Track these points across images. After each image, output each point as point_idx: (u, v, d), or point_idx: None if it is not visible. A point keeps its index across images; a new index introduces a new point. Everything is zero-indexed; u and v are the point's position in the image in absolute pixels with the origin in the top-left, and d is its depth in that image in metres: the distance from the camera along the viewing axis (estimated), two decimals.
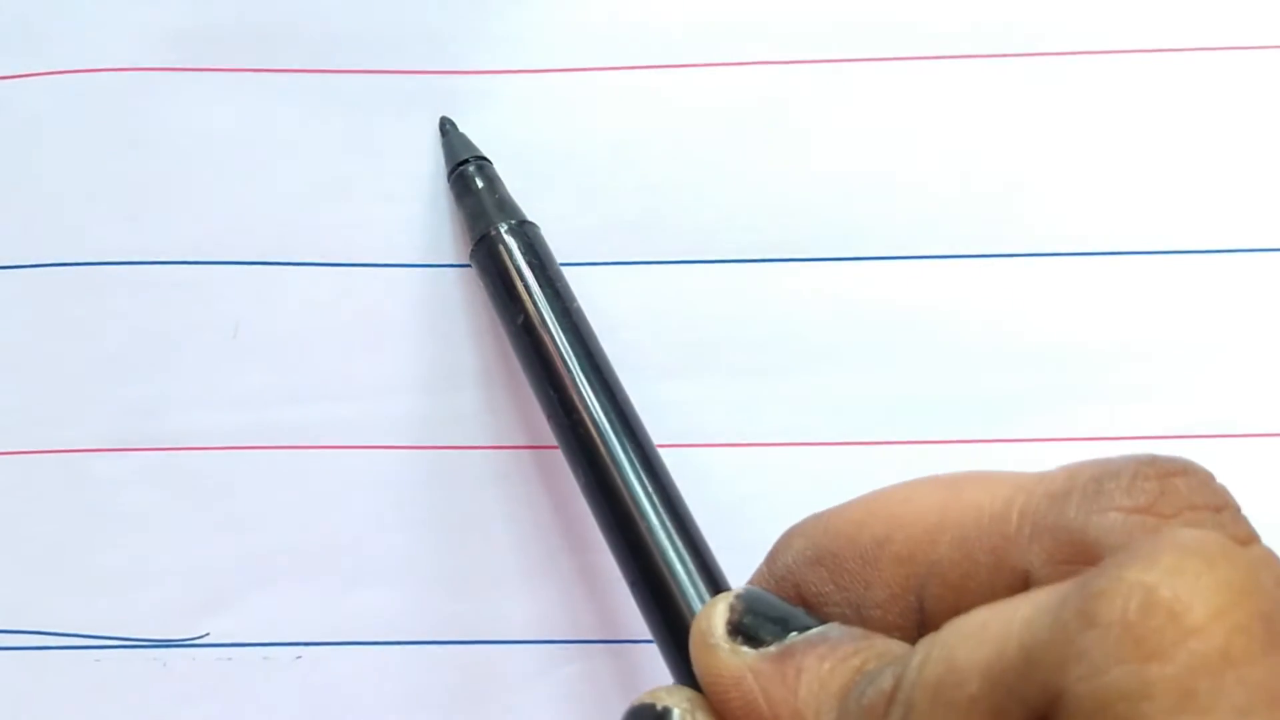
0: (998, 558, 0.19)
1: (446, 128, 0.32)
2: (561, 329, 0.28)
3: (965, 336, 0.31)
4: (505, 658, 0.30)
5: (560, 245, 0.30)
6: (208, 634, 0.31)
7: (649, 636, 0.30)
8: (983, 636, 0.17)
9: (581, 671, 0.30)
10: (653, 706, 0.21)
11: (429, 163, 0.32)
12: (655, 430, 0.27)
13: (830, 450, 0.31)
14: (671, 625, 0.24)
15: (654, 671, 0.30)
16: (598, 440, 0.26)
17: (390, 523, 0.31)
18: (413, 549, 0.31)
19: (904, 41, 0.32)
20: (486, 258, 0.30)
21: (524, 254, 0.29)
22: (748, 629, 0.20)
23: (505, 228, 0.30)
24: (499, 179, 0.31)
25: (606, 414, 0.27)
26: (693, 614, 0.23)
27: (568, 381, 0.27)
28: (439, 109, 0.32)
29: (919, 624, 0.20)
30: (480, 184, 0.31)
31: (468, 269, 0.31)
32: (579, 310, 0.29)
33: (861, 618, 0.20)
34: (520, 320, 0.28)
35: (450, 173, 0.31)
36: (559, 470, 0.31)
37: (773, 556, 0.22)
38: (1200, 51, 0.31)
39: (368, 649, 0.31)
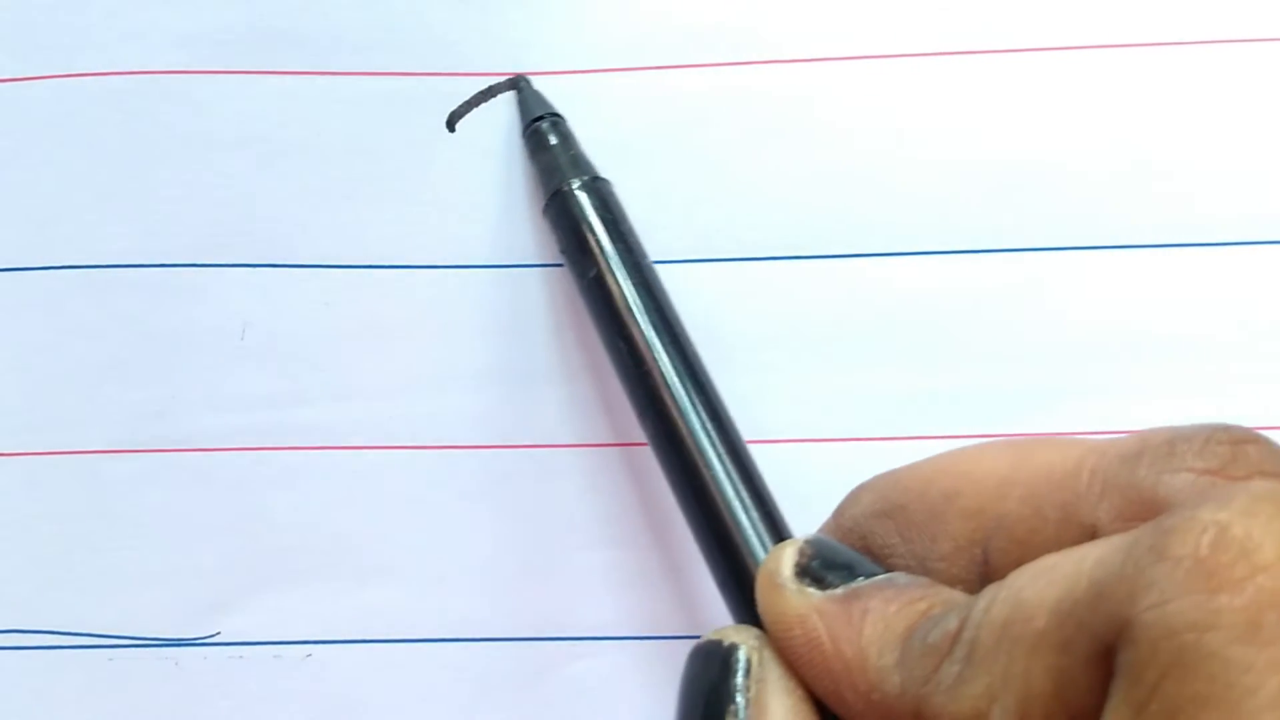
0: (1066, 513, 0.19)
1: (521, 84, 0.32)
2: (633, 284, 0.28)
3: (978, 330, 0.31)
4: (515, 654, 0.31)
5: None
6: (219, 633, 0.31)
7: (662, 632, 0.31)
8: (1051, 576, 0.17)
9: (593, 668, 0.30)
10: (719, 643, 0.21)
11: (434, 164, 0.32)
12: None
13: (856, 445, 0.31)
14: (735, 568, 0.24)
15: (665, 666, 0.30)
16: (664, 391, 0.27)
17: (398, 521, 0.31)
18: (421, 547, 0.31)
19: (951, 36, 0.32)
20: (559, 213, 0.30)
21: (597, 210, 0.29)
22: (815, 572, 0.21)
23: (578, 183, 0.30)
24: (573, 136, 0.31)
25: (675, 366, 0.27)
26: (755, 558, 0.24)
27: (637, 335, 0.27)
28: (443, 110, 0.32)
29: (982, 577, 0.20)
30: (554, 140, 0.31)
31: (477, 269, 0.31)
32: (650, 266, 0.29)
33: (926, 570, 0.21)
34: (592, 274, 0.28)
35: (525, 129, 0.31)
36: (567, 469, 0.31)
37: (840, 510, 0.22)
38: (1201, 45, 0.32)
39: (378, 647, 0.31)
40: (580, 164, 0.30)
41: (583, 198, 0.30)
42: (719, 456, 0.26)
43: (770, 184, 0.32)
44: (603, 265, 0.28)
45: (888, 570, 0.21)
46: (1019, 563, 0.18)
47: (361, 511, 0.31)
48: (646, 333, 0.27)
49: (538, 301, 0.32)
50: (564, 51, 0.32)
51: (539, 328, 0.31)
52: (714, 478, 0.25)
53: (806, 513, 0.31)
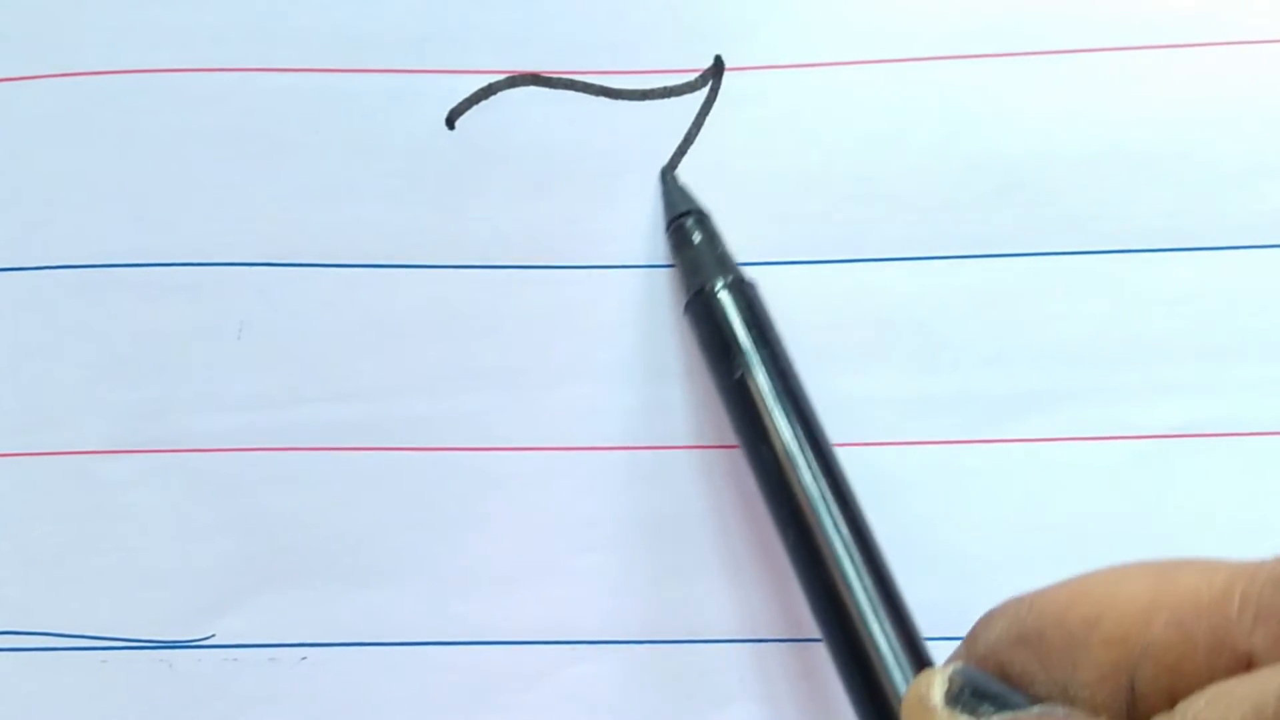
0: (1217, 638, 0.19)
1: (666, 178, 0.31)
2: (777, 392, 0.28)
3: (975, 334, 0.31)
4: (510, 658, 0.30)
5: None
6: (213, 635, 0.31)
7: (651, 637, 0.30)
8: (1232, 700, 0.17)
9: (587, 673, 0.30)
10: None
11: (432, 162, 0.32)
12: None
13: (855, 450, 0.31)
14: (874, 692, 0.25)
15: (661, 671, 0.30)
16: (807, 506, 0.27)
17: (394, 523, 0.31)
18: (417, 549, 0.31)
19: (948, 39, 0.32)
20: (703, 312, 0.29)
21: (742, 312, 0.29)
22: (966, 701, 0.21)
23: (722, 284, 0.29)
24: (719, 234, 0.31)
25: (818, 484, 0.27)
26: (892, 684, 0.24)
27: (780, 446, 0.27)
28: (442, 107, 0.32)
29: (1129, 704, 0.20)
30: (698, 238, 0.30)
31: (474, 269, 0.31)
32: (795, 373, 0.29)
33: (1068, 699, 0.20)
34: (736, 377, 0.28)
35: (669, 224, 0.31)
36: (564, 471, 0.31)
37: (972, 637, 0.22)
38: (1198, 48, 0.31)
39: (373, 650, 0.31)
40: (726, 264, 0.30)
41: (728, 299, 0.29)
42: (861, 578, 0.26)
43: (766, 190, 0.32)
44: (747, 369, 0.28)
45: (1033, 701, 0.20)
46: (1170, 690, 0.18)
47: (357, 513, 0.31)
48: (790, 445, 0.27)
49: (537, 301, 0.31)
50: (564, 51, 0.32)
51: (539, 327, 0.31)
52: (855, 600, 0.26)
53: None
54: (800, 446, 0.27)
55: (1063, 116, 0.31)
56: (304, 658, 0.31)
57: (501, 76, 0.32)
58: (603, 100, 0.32)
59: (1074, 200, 0.31)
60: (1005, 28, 0.32)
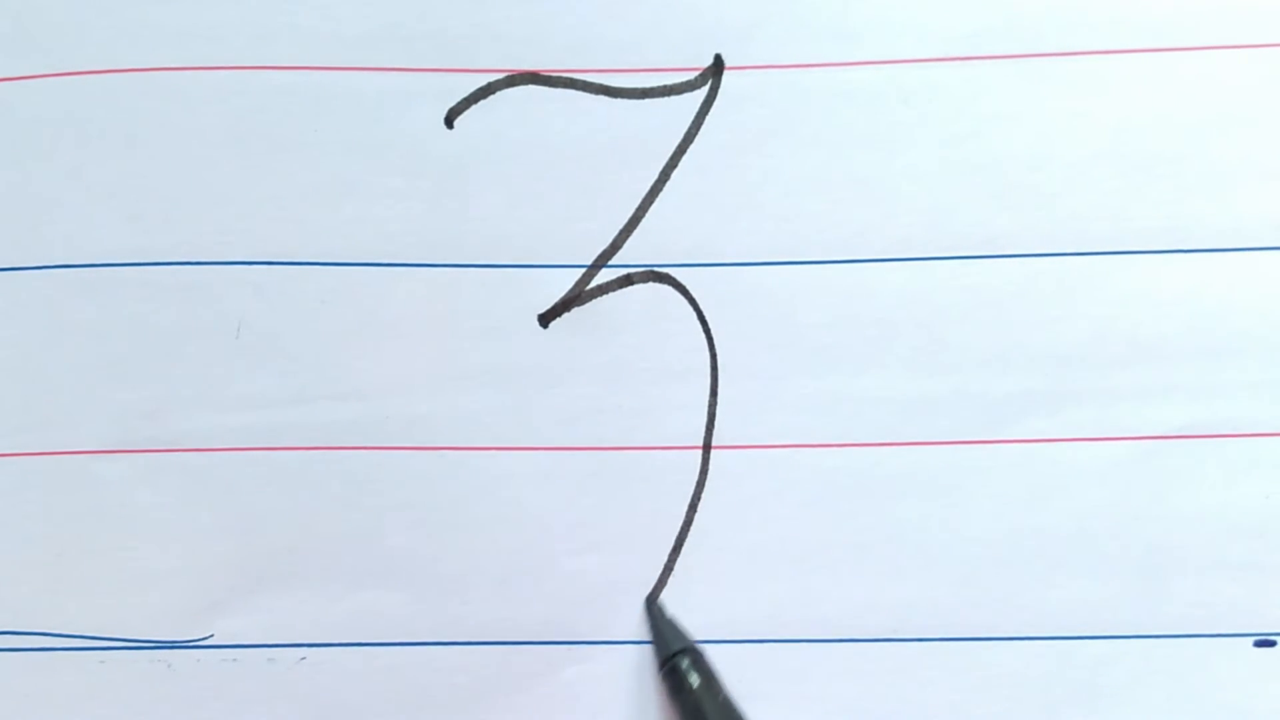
0: None
1: (652, 609, 0.31)
2: None
3: (977, 335, 0.31)
4: (509, 658, 0.31)
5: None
6: (212, 635, 0.31)
7: (651, 637, 0.30)
8: None
9: (584, 672, 0.30)
10: None
11: (431, 161, 0.32)
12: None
13: (831, 451, 0.31)
14: None
15: (654, 670, 0.30)
16: None
17: (393, 524, 0.31)
18: (416, 550, 0.31)
19: (946, 41, 0.32)
20: None
21: None
22: None
23: None
24: (716, 674, 0.30)
25: None
26: None
27: None
28: (441, 106, 0.32)
29: None
30: (695, 681, 0.30)
31: (473, 268, 0.31)
32: None
33: None
34: None
35: (662, 665, 0.30)
36: (563, 471, 0.31)
37: None
38: (1196, 51, 0.32)
39: (371, 650, 0.31)
40: (729, 711, 0.29)
41: None
42: None
43: (766, 190, 0.32)
44: None
45: None
46: None
47: (356, 513, 0.31)
48: None
49: (536, 301, 0.31)
50: (563, 52, 0.32)
51: (537, 327, 0.31)
52: None
53: (798, 517, 0.31)
54: None
55: (1062, 117, 0.31)
56: (303, 658, 0.31)
57: (500, 75, 0.32)
58: (602, 99, 0.32)
59: (1074, 200, 0.31)
60: (1005, 29, 0.32)
